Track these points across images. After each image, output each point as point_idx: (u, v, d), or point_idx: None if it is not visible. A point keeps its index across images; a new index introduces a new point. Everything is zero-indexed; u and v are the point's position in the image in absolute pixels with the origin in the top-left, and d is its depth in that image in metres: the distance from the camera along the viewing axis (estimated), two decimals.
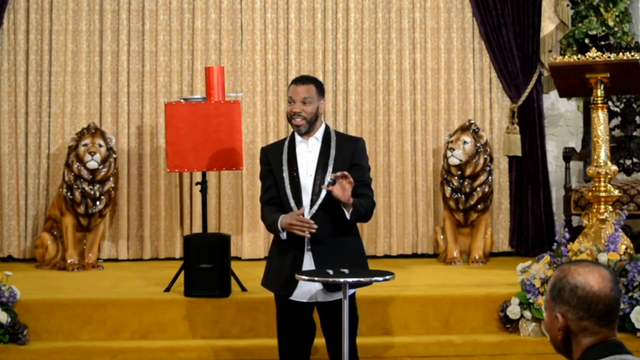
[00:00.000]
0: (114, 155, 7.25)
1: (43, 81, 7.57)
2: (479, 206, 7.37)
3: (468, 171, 7.33)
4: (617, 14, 7.74)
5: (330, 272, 4.62)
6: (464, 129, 7.39)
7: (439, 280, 6.62)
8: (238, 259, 7.46)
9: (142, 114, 7.66)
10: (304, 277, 4.58)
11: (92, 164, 7.07)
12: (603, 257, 5.68)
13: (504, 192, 7.83)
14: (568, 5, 7.57)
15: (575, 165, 7.84)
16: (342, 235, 4.78)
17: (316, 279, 4.58)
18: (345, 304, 4.57)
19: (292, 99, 4.82)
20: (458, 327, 5.96)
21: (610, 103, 7.47)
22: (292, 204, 4.78)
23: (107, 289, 6.32)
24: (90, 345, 5.72)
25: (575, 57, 6.14)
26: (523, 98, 7.73)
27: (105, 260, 7.49)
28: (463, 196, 7.33)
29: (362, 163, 4.87)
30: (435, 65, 7.80)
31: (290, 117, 4.85)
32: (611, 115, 7.35)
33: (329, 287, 4.70)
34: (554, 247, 5.88)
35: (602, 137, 6.02)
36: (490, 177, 7.42)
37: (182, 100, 6.56)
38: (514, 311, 5.85)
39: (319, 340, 5.01)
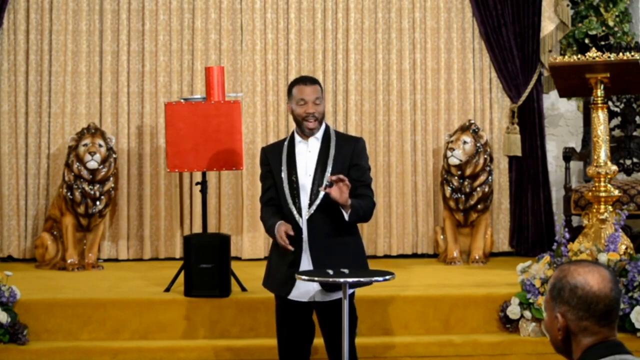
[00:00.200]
0: (114, 155, 7.25)
1: (43, 81, 7.57)
2: (479, 206, 7.37)
3: (468, 171, 7.33)
4: (617, 14, 7.74)
5: (330, 272, 4.62)
6: (464, 129, 7.39)
7: (439, 280, 6.62)
8: (238, 259, 7.46)
9: (142, 114, 7.66)
10: (303, 277, 4.58)
11: (92, 164, 7.07)
12: (603, 257, 5.68)
13: (504, 192, 7.83)
14: (568, 5, 7.57)
15: (575, 165, 7.84)
16: (341, 235, 4.77)
17: (316, 279, 4.58)
18: (345, 304, 4.57)
19: (304, 100, 4.80)
20: (458, 327, 5.96)
21: (610, 103, 7.47)
22: (290, 204, 4.78)
23: (107, 289, 6.32)
24: (90, 345, 5.72)
25: (575, 57, 6.14)
26: (523, 98, 7.73)
27: (105, 260, 7.49)
28: (463, 196, 7.33)
29: (361, 163, 4.87)
30: (435, 65, 7.80)
31: (303, 119, 4.81)
32: (611, 115, 7.35)
33: (327, 287, 4.70)
34: (554, 247, 5.88)
35: (602, 137, 6.02)
36: (490, 177, 7.42)
37: (182, 100, 6.56)
38: (514, 311, 5.85)
39: (319, 341, 5.01)
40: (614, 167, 6.10)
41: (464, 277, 6.70)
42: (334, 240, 4.75)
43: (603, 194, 6.01)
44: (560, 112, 8.07)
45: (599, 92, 6.00)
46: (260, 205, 5.01)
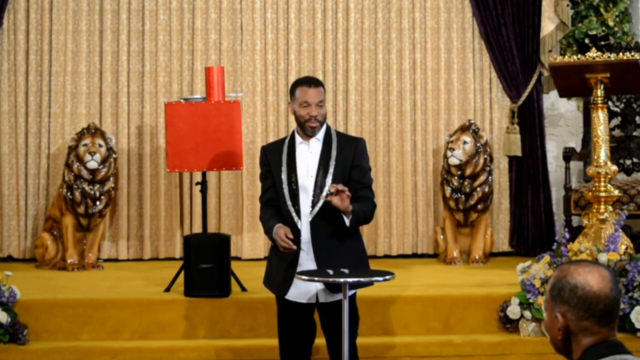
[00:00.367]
0: (114, 155, 7.25)
1: (43, 81, 7.57)
2: (479, 206, 7.37)
3: (468, 171, 7.33)
4: (617, 14, 7.74)
5: (330, 272, 4.62)
6: (464, 129, 7.39)
7: (439, 280, 6.62)
8: (238, 259, 7.46)
9: (142, 114, 7.66)
10: (304, 277, 4.58)
11: (92, 164, 7.07)
12: (603, 257, 5.68)
13: (504, 192, 7.83)
14: (568, 5, 7.57)
15: (575, 165, 7.84)
16: (343, 236, 4.77)
17: (316, 279, 4.58)
18: (345, 304, 4.57)
19: (308, 102, 4.78)
20: (458, 327, 5.96)
21: (610, 103, 7.47)
22: (290, 206, 4.78)
23: (107, 289, 6.32)
24: (90, 345, 5.72)
25: (575, 57, 6.14)
26: (523, 98, 7.73)
27: (105, 260, 7.49)
28: (463, 196, 7.33)
29: (362, 164, 4.87)
30: (435, 65, 7.80)
31: (305, 121, 4.81)
32: (611, 115, 7.34)
33: (330, 288, 4.70)
34: (554, 247, 5.88)
35: (602, 137, 6.02)
36: (490, 177, 7.42)
37: (182, 100, 6.56)
38: (514, 311, 5.85)
39: (320, 341, 5.01)
40: (614, 167, 6.10)
41: (464, 277, 6.70)
42: (336, 241, 4.75)
43: (603, 194, 6.01)
44: (560, 112, 8.08)
45: (599, 92, 6.00)
46: (260, 205, 5.01)
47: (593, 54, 6.02)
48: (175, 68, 7.66)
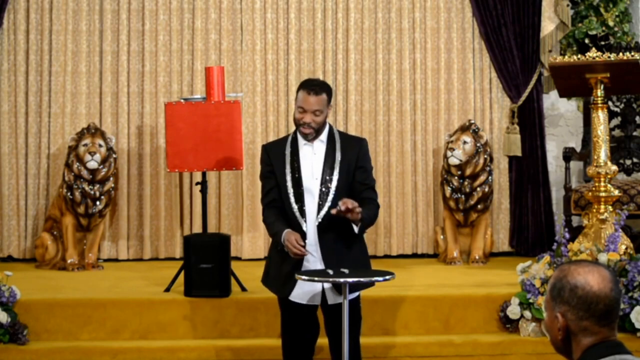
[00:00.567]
0: (114, 155, 7.25)
1: (43, 81, 7.57)
2: (479, 206, 7.37)
3: (468, 171, 7.33)
4: (617, 14, 7.74)
5: (330, 272, 4.62)
6: (464, 129, 7.39)
7: (439, 280, 6.62)
8: (238, 259, 7.46)
9: (142, 114, 7.66)
10: (304, 277, 4.58)
11: (92, 164, 7.07)
12: (603, 257, 5.68)
13: (504, 192, 7.83)
14: (568, 5, 7.57)
15: (575, 165, 7.84)
16: (349, 239, 4.76)
17: (316, 279, 4.58)
18: (345, 304, 4.58)
19: (303, 109, 4.77)
20: (458, 327, 5.96)
21: (610, 103, 7.47)
22: (295, 209, 4.76)
23: (107, 289, 6.32)
24: (90, 345, 5.72)
25: (575, 57, 6.14)
26: (523, 98, 7.73)
27: (105, 260, 7.49)
28: (463, 196, 7.33)
29: (366, 165, 4.87)
30: (435, 65, 7.80)
31: (299, 125, 4.80)
32: (611, 115, 7.34)
33: (339, 289, 4.69)
34: (554, 247, 5.88)
35: (602, 137, 6.02)
36: (490, 177, 7.42)
37: (182, 100, 6.56)
38: (514, 311, 5.85)
39: (322, 340, 5.01)
40: (614, 167, 6.10)
41: (464, 277, 6.70)
42: (342, 244, 4.74)
43: (603, 194, 6.01)
44: (560, 112, 8.07)
45: (599, 92, 6.00)
46: (262, 207, 4.96)
47: (593, 54, 6.02)
48: (175, 68, 7.66)
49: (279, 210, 4.81)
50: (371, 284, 4.91)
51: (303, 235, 4.73)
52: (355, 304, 4.83)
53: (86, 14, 7.61)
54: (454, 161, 7.28)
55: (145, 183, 7.61)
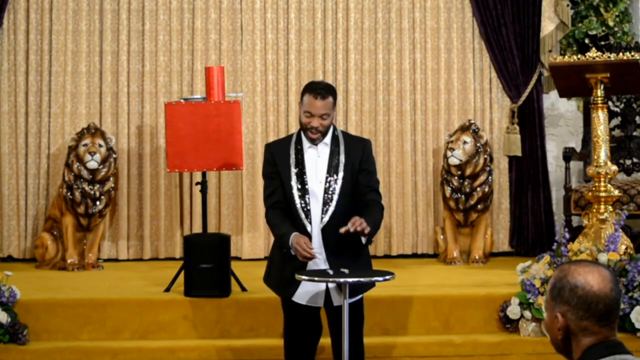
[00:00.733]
0: (114, 155, 7.25)
1: (43, 81, 7.57)
2: (479, 206, 7.36)
3: (468, 171, 7.33)
4: (617, 14, 7.74)
5: (330, 272, 4.62)
6: (464, 129, 7.39)
7: (439, 280, 6.62)
8: (238, 259, 7.46)
9: (142, 114, 7.66)
10: (303, 277, 4.58)
11: (92, 164, 7.06)
12: (603, 257, 5.68)
13: (504, 192, 7.83)
14: (568, 5, 7.57)
15: (575, 165, 7.84)
16: (352, 241, 4.74)
17: (316, 279, 4.58)
18: (345, 304, 4.58)
19: (311, 113, 4.75)
20: (458, 327, 5.96)
21: (610, 103, 7.47)
22: (300, 212, 4.74)
23: (107, 289, 6.32)
24: (90, 345, 5.72)
25: (575, 57, 6.14)
26: (523, 98, 7.73)
27: (105, 260, 7.49)
28: (463, 196, 7.33)
29: (370, 168, 4.85)
30: (435, 65, 7.80)
31: (306, 129, 4.78)
32: (611, 115, 7.34)
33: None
34: (554, 247, 5.88)
35: (602, 137, 6.02)
36: (490, 177, 7.42)
37: (182, 100, 6.56)
38: (514, 311, 5.85)
39: (325, 340, 5.00)
40: (614, 167, 6.10)
41: (464, 277, 6.70)
42: (347, 246, 4.72)
43: (603, 194, 6.01)
44: (560, 112, 8.08)
45: (599, 92, 6.00)
46: (266, 208, 4.92)
47: (593, 54, 6.02)
48: (175, 68, 7.66)
49: (284, 211, 4.79)
50: (372, 285, 4.91)
51: (309, 238, 4.72)
52: (358, 305, 4.84)
53: (86, 14, 7.61)
54: (454, 161, 7.28)
55: (145, 183, 7.61)
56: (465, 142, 7.29)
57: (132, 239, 7.63)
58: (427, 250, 7.79)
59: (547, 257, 5.89)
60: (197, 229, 7.41)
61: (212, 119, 6.30)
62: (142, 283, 6.54)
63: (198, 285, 6.00)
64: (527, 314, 5.81)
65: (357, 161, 4.81)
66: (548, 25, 7.59)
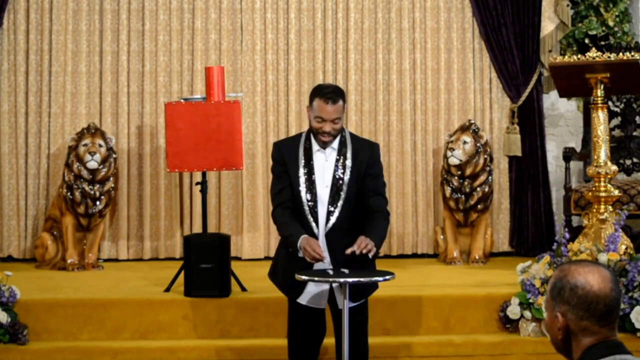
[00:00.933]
0: (114, 155, 7.25)
1: (43, 81, 7.56)
2: (479, 206, 7.36)
3: (468, 171, 7.33)
4: (617, 14, 7.74)
5: (330, 272, 4.62)
6: (464, 129, 7.39)
7: (439, 280, 6.62)
8: (238, 259, 7.45)
9: (142, 114, 7.65)
10: (304, 277, 4.58)
11: (92, 164, 7.06)
12: (603, 257, 5.68)
13: (504, 192, 7.83)
14: (568, 5, 7.57)
15: (575, 165, 7.84)
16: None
17: (316, 278, 4.58)
18: (346, 304, 4.58)
19: (322, 118, 4.72)
20: (458, 327, 5.96)
21: (610, 103, 7.47)
22: (309, 216, 4.73)
23: (107, 289, 6.32)
24: (90, 345, 5.72)
25: (575, 57, 6.14)
26: (523, 98, 7.73)
27: (105, 260, 7.49)
28: (463, 196, 7.33)
29: (376, 172, 4.83)
30: (435, 65, 7.80)
31: (318, 133, 4.75)
32: (611, 115, 7.34)
33: (349, 294, 4.70)
34: (554, 247, 5.88)
35: (602, 137, 6.02)
36: (490, 177, 7.41)
37: (182, 100, 6.56)
38: (514, 311, 5.85)
39: (329, 340, 5.00)
40: (614, 167, 6.10)
41: (464, 277, 6.70)
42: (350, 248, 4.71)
43: (603, 194, 6.01)
44: (560, 112, 8.08)
45: (599, 92, 6.00)
46: (273, 206, 4.89)
47: (593, 54, 6.01)
48: (175, 68, 7.66)
49: (292, 211, 4.77)
50: (376, 287, 4.91)
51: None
52: (362, 308, 4.84)
53: (86, 14, 7.60)
54: (454, 161, 7.28)
55: (145, 183, 7.61)
56: (465, 142, 7.29)
57: (132, 239, 7.63)
58: (427, 250, 7.79)
59: (547, 257, 5.89)
60: (197, 229, 7.41)
61: (212, 119, 6.30)
62: (142, 283, 6.54)
63: (198, 285, 5.99)
64: (527, 314, 5.81)
65: (363, 165, 4.78)
66: (548, 25, 7.59)
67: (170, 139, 6.33)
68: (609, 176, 6.05)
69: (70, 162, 7.13)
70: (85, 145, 7.09)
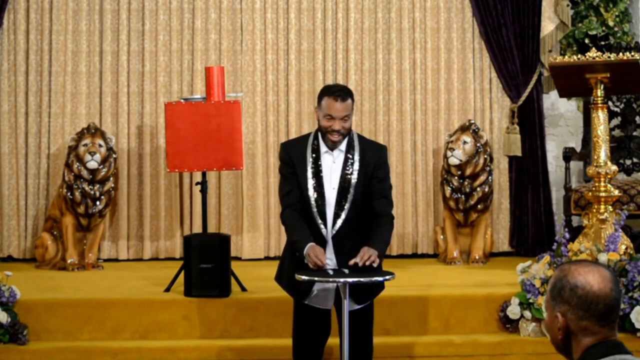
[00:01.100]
0: (114, 155, 7.25)
1: (43, 81, 7.56)
2: (479, 206, 7.36)
3: (468, 171, 7.33)
4: (617, 14, 7.74)
5: (330, 272, 4.62)
6: (464, 129, 7.39)
7: (439, 280, 6.62)
8: (238, 259, 7.45)
9: (142, 114, 7.65)
10: (304, 277, 4.58)
11: (92, 164, 7.06)
12: (603, 257, 5.68)
13: (504, 192, 7.83)
14: (568, 5, 7.57)
15: (575, 165, 7.84)
16: (362, 246, 4.73)
17: (316, 279, 4.58)
18: (346, 304, 4.58)
19: (331, 116, 4.70)
20: (458, 327, 5.96)
21: (610, 103, 7.47)
22: (317, 219, 4.73)
23: (107, 289, 6.32)
24: (90, 345, 5.72)
25: (575, 57, 6.14)
26: (523, 98, 7.73)
27: (105, 260, 7.49)
28: (463, 196, 7.33)
29: (382, 175, 4.81)
30: (435, 65, 7.80)
31: (327, 132, 4.73)
32: (611, 115, 7.35)
33: (354, 297, 4.70)
34: (554, 247, 5.88)
35: (602, 137, 6.02)
36: (490, 177, 7.42)
37: (182, 100, 6.56)
38: (514, 311, 5.85)
39: (334, 341, 5.00)
40: (614, 167, 6.10)
41: (464, 277, 6.70)
42: (357, 251, 4.68)
43: (603, 194, 6.01)
44: (560, 112, 8.08)
45: (599, 92, 6.00)
46: (282, 207, 4.87)
47: (593, 54, 6.01)
48: (175, 68, 7.66)
49: (300, 213, 4.76)
50: (382, 288, 4.90)
51: (322, 242, 4.72)
52: (368, 308, 4.85)
53: (86, 14, 7.61)
54: (454, 161, 7.28)
55: (145, 183, 7.61)
56: (465, 142, 7.29)
57: (132, 239, 7.63)
58: (427, 250, 7.79)
59: (547, 257, 5.89)
60: (197, 229, 7.41)
61: (212, 119, 6.30)
62: (142, 283, 6.54)
63: (198, 285, 6.00)
64: (527, 314, 5.81)
65: (370, 168, 4.77)
66: (548, 25, 7.59)
67: (170, 139, 6.33)
68: (609, 176, 6.05)
69: (70, 162, 7.13)
70: (85, 145, 7.09)
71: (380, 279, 4.65)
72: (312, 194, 4.74)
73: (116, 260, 7.57)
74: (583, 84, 6.04)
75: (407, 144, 7.75)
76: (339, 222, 4.73)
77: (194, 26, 7.67)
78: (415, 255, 7.77)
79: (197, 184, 6.58)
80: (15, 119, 7.55)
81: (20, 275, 6.36)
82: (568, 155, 7.33)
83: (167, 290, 6.17)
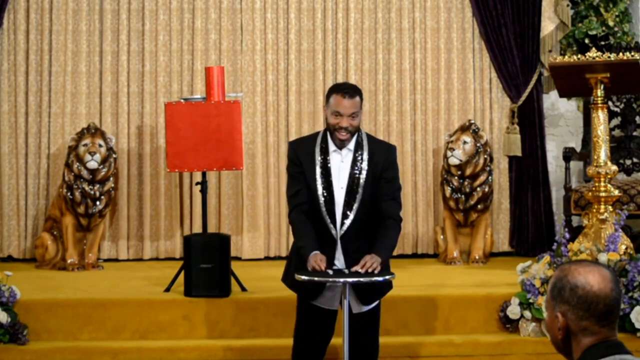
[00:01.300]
0: (114, 155, 7.25)
1: (43, 81, 7.56)
2: (479, 206, 7.37)
3: (468, 171, 7.33)
4: (617, 14, 7.74)
5: (330, 272, 4.62)
6: (464, 129, 7.39)
7: (439, 280, 6.62)
8: (238, 259, 7.45)
9: (142, 114, 7.66)
10: (303, 277, 4.57)
11: (92, 164, 7.06)
12: (603, 257, 5.68)
13: (504, 192, 7.83)
14: (568, 5, 7.57)
15: (575, 165, 7.84)
16: (371, 248, 4.71)
17: (316, 279, 4.58)
18: (345, 304, 4.58)
19: (339, 113, 4.67)
20: (458, 327, 5.96)
21: (610, 103, 7.47)
22: (327, 219, 4.71)
23: (107, 289, 6.32)
24: (90, 345, 5.72)
25: (575, 57, 6.14)
26: (523, 98, 7.73)
27: (105, 260, 7.49)
28: (463, 196, 7.34)
29: (391, 175, 4.78)
30: (435, 65, 7.80)
31: (335, 130, 4.70)
32: (611, 115, 7.35)
33: (361, 299, 4.70)
34: (554, 247, 5.88)
35: (602, 137, 6.02)
36: (490, 177, 7.42)
37: (182, 100, 6.56)
38: (514, 311, 5.85)
39: (337, 341, 5.00)
40: (614, 167, 6.10)
41: (464, 277, 6.70)
42: (364, 252, 4.66)
43: (603, 194, 6.01)
44: (560, 112, 8.08)
45: (599, 92, 6.00)
46: (290, 208, 4.83)
47: (593, 54, 6.01)
48: (175, 68, 7.66)
49: (308, 214, 4.73)
50: (390, 288, 4.89)
51: (331, 242, 4.70)
52: (376, 309, 4.85)
53: (86, 14, 7.61)
54: (454, 161, 7.28)
55: (145, 183, 7.61)
56: (465, 142, 7.29)
57: (132, 239, 7.63)
58: (427, 250, 7.79)
59: (547, 257, 5.89)
60: (197, 229, 7.41)
61: (212, 119, 6.30)
62: (142, 283, 6.54)
63: (198, 285, 6.00)
64: (527, 314, 5.81)
65: (379, 167, 4.73)
66: (548, 25, 7.59)
67: (170, 139, 6.33)
68: (609, 176, 6.05)
69: (70, 162, 7.13)
70: (85, 145, 7.09)
71: (380, 278, 4.64)
72: (320, 194, 4.71)
73: (116, 260, 7.57)
74: (583, 84, 6.04)
75: (407, 144, 7.75)
76: (347, 222, 4.71)
77: (194, 26, 7.67)
78: (415, 255, 7.77)
79: (197, 184, 6.58)
80: (15, 119, 7.55)
81: (20, 275, 6.36)
82: (568, 155, 7.33)
83: (167, 290, 6.17)
